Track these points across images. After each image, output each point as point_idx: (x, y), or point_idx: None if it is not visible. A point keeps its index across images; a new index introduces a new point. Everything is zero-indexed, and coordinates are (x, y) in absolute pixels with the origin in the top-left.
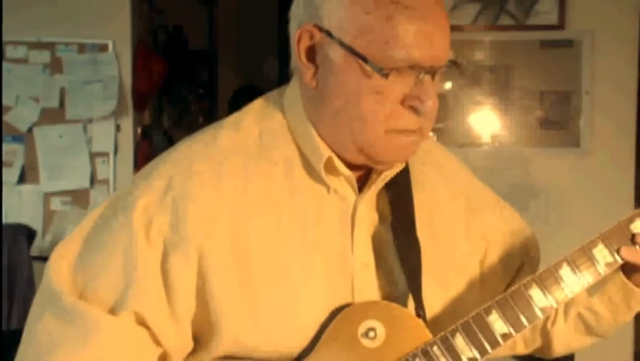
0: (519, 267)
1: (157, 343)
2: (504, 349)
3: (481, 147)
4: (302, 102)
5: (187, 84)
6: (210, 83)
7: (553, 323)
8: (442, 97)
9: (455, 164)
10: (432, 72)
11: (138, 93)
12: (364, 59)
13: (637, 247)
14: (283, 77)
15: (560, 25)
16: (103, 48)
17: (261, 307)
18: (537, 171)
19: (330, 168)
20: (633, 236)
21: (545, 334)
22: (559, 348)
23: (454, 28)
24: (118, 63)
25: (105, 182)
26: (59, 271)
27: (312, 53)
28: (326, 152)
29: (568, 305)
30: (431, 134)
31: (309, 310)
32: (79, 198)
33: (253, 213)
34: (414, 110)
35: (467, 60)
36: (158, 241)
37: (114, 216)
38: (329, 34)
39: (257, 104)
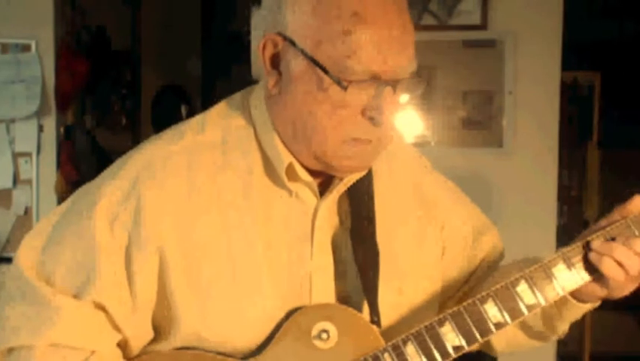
0: (480, 263)
1: (117, 329)
2: None
3: None
4: (266, 106)
5: (110, 84)
6: (133, 83)
7: None
8: None
9: (422, 166)
10: (393, 84)
11: (61, 93)
12: (324, 70)
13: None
14: (206, 77)
15: (483, 25)
16: (26, 48)
17: (211, 306)
18: (459, 171)
19: (291, 173)
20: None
21: None
22: (498, 343)
23: None
24: (41, 63)
25: (28, 182)
26: (27, 260)
27: (275, 61)
28: (287, 158)
29: None
30: None
31: (262, 310)
32: (2, 198)
33: (201, 215)
34: (373, 121)
35: None
36: (122, 235)
37: (80, 210)
38: (292, 43)
39: (223, 105)
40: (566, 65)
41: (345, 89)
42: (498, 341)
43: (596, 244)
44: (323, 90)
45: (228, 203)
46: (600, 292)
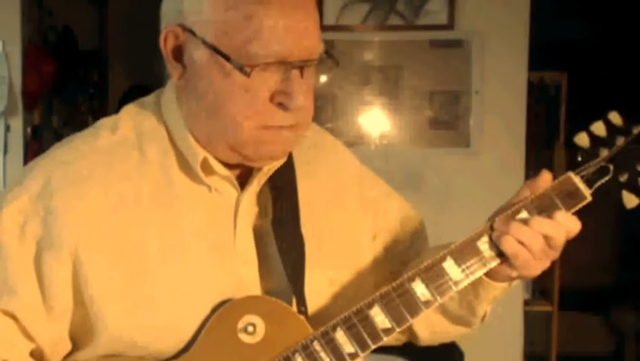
0: (408, 255)
1: (29, 338)
2: None
3: (370, 147)
4: (177, 104)
5: (77, 84)
6: (100, 82)
7: None
8: (332, 96)
9: (346, 154)
10: (301, 67)
11: (28, 93)
12: (226, 58)
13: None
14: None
15: (450, 25)
16: None
17: (139, 306)
18: (426, 171)
19: (207, 168)
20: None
21: None
22: (421, 331)
23: (343, 29)
24: (8, 63)
25: None
26: None
27: (179, 53)
28: (201, 153)
29: None
30: None
31: (188, 308)
32: None
33: (127, 215)
34: (283, 106)
35: (357, 60)
36: (31, 242)
37: None
38: (192, 33)
39: (133, 106)
40: (533, 65)
41: (248, 75)
42: (421, 329)
43: (497, 223)
44: (228, 79)
45: (149, 202)
46: (510, 272)
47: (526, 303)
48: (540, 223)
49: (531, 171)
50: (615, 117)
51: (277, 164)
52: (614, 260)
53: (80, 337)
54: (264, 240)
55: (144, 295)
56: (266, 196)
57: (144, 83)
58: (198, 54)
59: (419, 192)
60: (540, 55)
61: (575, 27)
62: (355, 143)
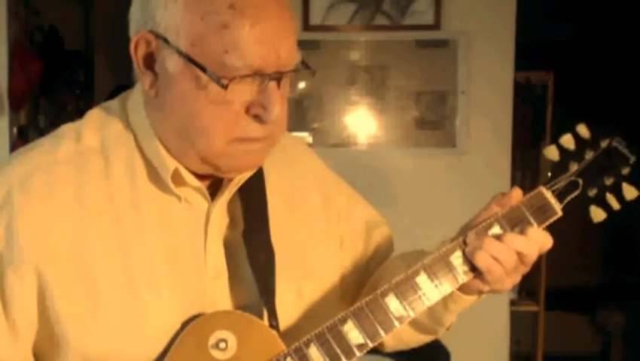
0: (373, 260)
1: None
2: None
3: (357, 148)
4: (145, 111)
5: (63, 84)
6: (87, 82)
7: None
8: (318, 97)
9: (313, 160)
10: (277, 78)
11: (15, 93)
12: (203, 69)
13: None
14: None
15: (436, 25)
16: None
17: (106, 321)
18: (413, 172)
19: (178, 179)
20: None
21: None
22: (388, 339)
23: (329, 29)
24: None
25: None
26: None
27: (150, 61)
28: (172, 164)
29: None
30: (305, 133)
31: (157, 322)
32: None
33: (92, 227)
34: (258, 119)
35: (343, 60)
36: None
37: None
38: (166, 41)
39: (97, 112)
40: (519, 65)
41: (225, 87)
42: (388, 338)
43: (470, 238)
44: (203, 90)
45: (114, 215)
46: (482, 286)
47: (512, 303)
48: (514, 240)
49: (518, 170)
50: (583, 130)
51: (248, 174)
52: (600, 261)
53: (46, 353)
54: (235, 251)
55: (109, 312)
56: (236, 207)
57: (130, 83)
58: (171, 63)
59: (405, 193)
60: (526, 55)
61: (562, 27)
62: (341, 143)
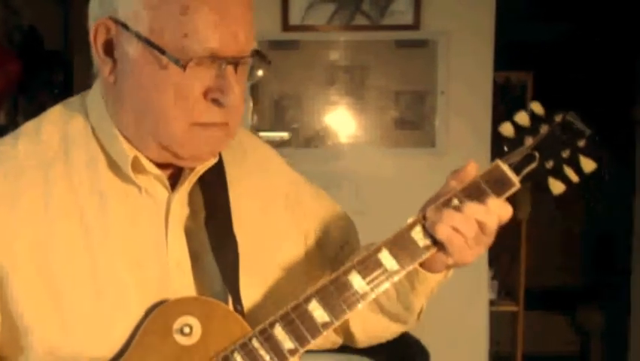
0: (342, 255)
1: None
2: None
3: (336, 148)
4: (104, 101)
5: (42, 84)
6: (65, 83)
7: None
8: (297, 96)
9: (274, 157)
10: (234, 62)
11: None
12: (162, 51)
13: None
14: None
15: (415, 25)
16: None
17: (70, 315)
18: (392, 172)
19: (138, 167)
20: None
21: None
22: (358, 332)
23: (309, 28)
24: None
25: None
26: None
27: (110, 48)
28: (131, 152)
29: None
30: (284, 133)
31: (120, 313)
32: None
33: (54, 223)
34: (217, 102)
35: (323, 60)
36: None
37: None
38: (125, 26)
39: (58, 108)
40: (499, 65)
41: (183, 68)
42: (358, 330)
43: (429, 212)
44: (162, 73)
45: (74, 210)
46: (445, 259)
47: (492, 303)
48: (472, 209)
49: None
50: (537, 107)
51: (208, 164)
52: (580, 260)
53: (10, 351)
54: (196, 240)
55: (71, 306)
56: (197, 197)
57: None
58: (131, 48)
59: (385, 192)
60: (505, 55)
61: (541, 28)
62: (321, 143)
